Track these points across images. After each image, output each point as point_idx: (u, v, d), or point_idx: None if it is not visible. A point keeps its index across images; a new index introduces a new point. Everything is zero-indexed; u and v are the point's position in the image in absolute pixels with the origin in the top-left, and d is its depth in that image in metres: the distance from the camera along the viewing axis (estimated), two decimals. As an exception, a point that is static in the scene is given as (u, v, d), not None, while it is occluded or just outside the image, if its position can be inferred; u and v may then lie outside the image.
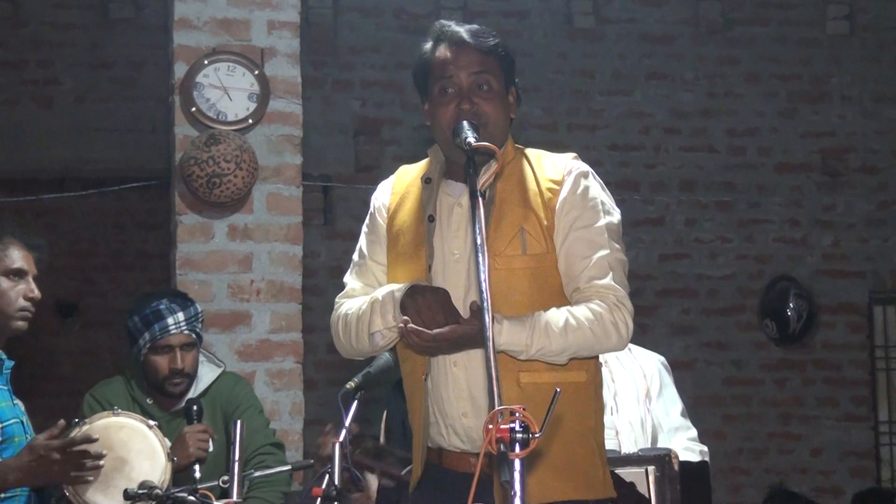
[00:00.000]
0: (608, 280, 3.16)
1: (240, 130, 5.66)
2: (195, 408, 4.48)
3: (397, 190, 3.34)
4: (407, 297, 3.10)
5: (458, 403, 3.18)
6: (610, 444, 4.25)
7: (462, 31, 3.27)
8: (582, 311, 3.12)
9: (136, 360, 4.61)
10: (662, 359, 4.57)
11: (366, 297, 3.24)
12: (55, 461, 3.78)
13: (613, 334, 3.15)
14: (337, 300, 3.34)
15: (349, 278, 3.36)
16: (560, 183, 3.23)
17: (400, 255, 3.27)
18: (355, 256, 3.37)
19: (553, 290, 3.20)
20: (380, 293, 3.19)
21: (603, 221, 3.21)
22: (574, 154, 3.35)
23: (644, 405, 4.43)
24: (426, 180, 3.27)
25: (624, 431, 4.36)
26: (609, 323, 3.14)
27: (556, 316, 3.10)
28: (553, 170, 3.27)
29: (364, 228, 3.38)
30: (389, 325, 3.15)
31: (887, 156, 8.99)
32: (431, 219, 3.23)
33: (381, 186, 3.39)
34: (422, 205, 3.25)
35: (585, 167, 3.29)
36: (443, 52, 3.25)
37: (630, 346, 4.53)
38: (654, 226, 8.79)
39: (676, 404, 4.48)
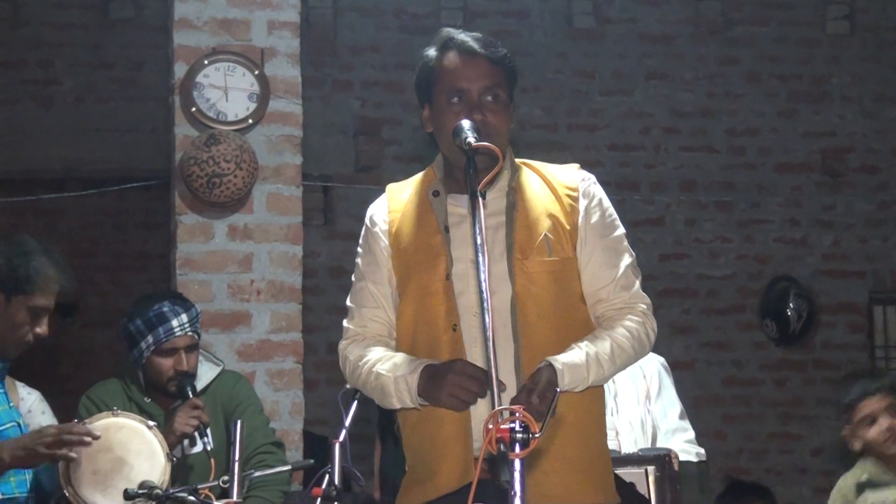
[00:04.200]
0: (636, 289, 3.30)
1: (240, 130, 5.66)
2: (189, 386, 4.46)
3: (395, 207, 3.33)
4: (430, 387, 3.11)
5: (485, 409, 3.11)
6: (610, 444, 4.27)
7: (471, 40, 3.26)
8: (622, 333, 3.22)
9: (136, 362, 4.59)
10: (662, 360, 4.58)
11: (374, 353, 3.25)
12: (48, 434, 3.76)
13: (647, 345, 3.30)
14: (344, 327, 3.36)
15: (352, 304, 3.36)
16: (577, 190, 3.30)
17: (414, 267, 3.25)
18: (354, 278, 3.38)
19: (573, 295, 3.26)
20: (390, 373, 3.19)
21: (621, 230, 3.33)
22: (577, 164, 3.39)
23: (644, 406, 4.44)
24: (434, 193, 3.27)
25: (624, 432, 4.37)
26: (644, 336, 3.27)
27: (603, 344, 3.19)
28: (566, 177, 3.33)
29: (359, 249, 3.38)
30: (408, 406, 3.19)
31: (887, 156, 8.99)
32: (447, 229, 3.24)
33: (375, 207, 3.37)
34: (434, 217, 3.25)
35: (593, 176, 3.38)
36: (452, 60, 3.24)
37: None
38: (654, 226, 8.79)
39: (675, 406, 4.49)
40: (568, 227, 3.25)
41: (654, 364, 4.55)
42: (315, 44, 8.20)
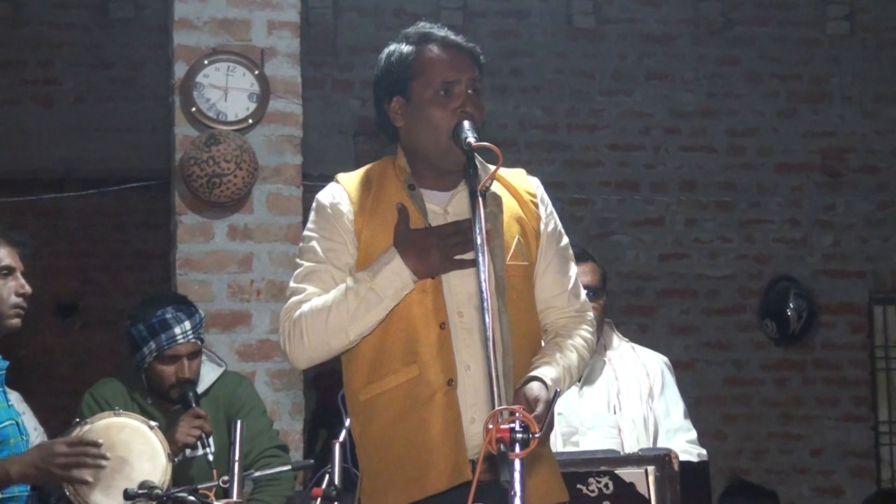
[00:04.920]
0: (583, 296, 3.36)
1: (240, 130, 5.66)
2: (191, 394, 4.46)
3: (356, 198, 3.23)
4: (423, 262, 3.07)
5: (471, 409, 3.12)
6: (612, 441, 4.28)
7: (453, 36, 3.26)
8: (581, 344, 3.28)
9: (138, 366, 4.58)
10: (666, 359, 4.60)
11: (327, 293, 3.13)
12: (60, 454, 3.78)
13: (594, 350, 3.39)
14: (291, 304, 3.17)
15: (303, 284, 3.19)
16: (536, 196, 3.31)
17: None
18: (307, 261, 3.22)
19: (534, 300, 3.27)
20: (365, 280, 3.08)
21: (566, 237, 3.36)
22: (524, 170, 3.39)
23: (647, 404, 4.45)
24: (411, 187, 3.22)
25: (626, 429, 4.37)
26: (594, 344, 3.35)
27: (571, 356, 3.23)
28: (522, 181, 3.33)
29: (313, 234, 3.22)
30: (401, 297, 3.09)
31: (887, 156, 8.99)
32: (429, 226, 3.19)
33: (336, 196, 3.24)
34: (416, 211, 3.18)
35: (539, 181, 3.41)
36: (437, 53, 3.21)
37: (633, 345, 4.57)
38: (654, 226, 8.79)
39: (678, 405, 4.50)
40: (534, 232, 3.26)
41: (657, 362, 4.56)
42: (315, 44, 8.20)
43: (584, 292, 3.35)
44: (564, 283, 3.29)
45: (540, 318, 3.28)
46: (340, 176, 3.32)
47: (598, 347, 4.26)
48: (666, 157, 8.85)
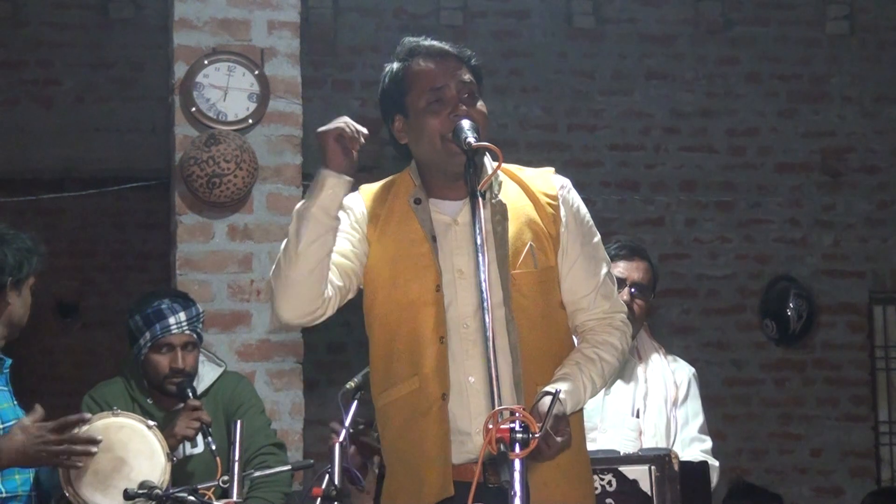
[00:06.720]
0: (615, 297, 3.30)
1: (240, 130, 5.66)
2: (188, 388, 4.47)
3: (370, 208, 3.27)
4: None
5: (475, 420, 3.12)
6: (631, 445, 4.28)
7: (438, 43, 3.27)
8: (608, 351, 3.23)
9: (136, 360, 4.60)
10: (694, 371, 4.63)
11: None
12: (50, 441, 3.79)
13: (626, 353, 3.32)
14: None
15: None
16: (556, 198, 3.27)
17: (400, 277, 3.18)
18: None
19: (555, 303, 3.25)
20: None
21: (598, 236, 3.33)
22: (553, 168, 3.35)
23: (670, 411, 4.46)
24: (416, 201, 3.22)
25: (648, 433, 4.38)
26: (625, 347, 3.29)
27: (594, 366, 3.19)
28: (544, 183, 3.29)
29: None
30: (331, 215, 3.07)
31: (887, 156, 8.99)
32: (434, 239, 3.19)
33: (350, 198, 3.25)
34: (419, 225, 3.20)
35: (569, 181, 3.34)
36: (424, 64, 3.24)
37: (666, 353, 4.59)
38: (654, 226, 8.79)
39: (698, 417, 4.52)
40: (550, 237, 3.23)
41: (686, 372, 4.59)
42: (315, 44, 8.20)
43: (615, 292, 3.31)
44: (591, 283, 3.25)
45: (570, 320, 3.26)
46: (363, 186, 3.35)
47: (632, 348, 4.22)
48: (666, 157, 8.86)
